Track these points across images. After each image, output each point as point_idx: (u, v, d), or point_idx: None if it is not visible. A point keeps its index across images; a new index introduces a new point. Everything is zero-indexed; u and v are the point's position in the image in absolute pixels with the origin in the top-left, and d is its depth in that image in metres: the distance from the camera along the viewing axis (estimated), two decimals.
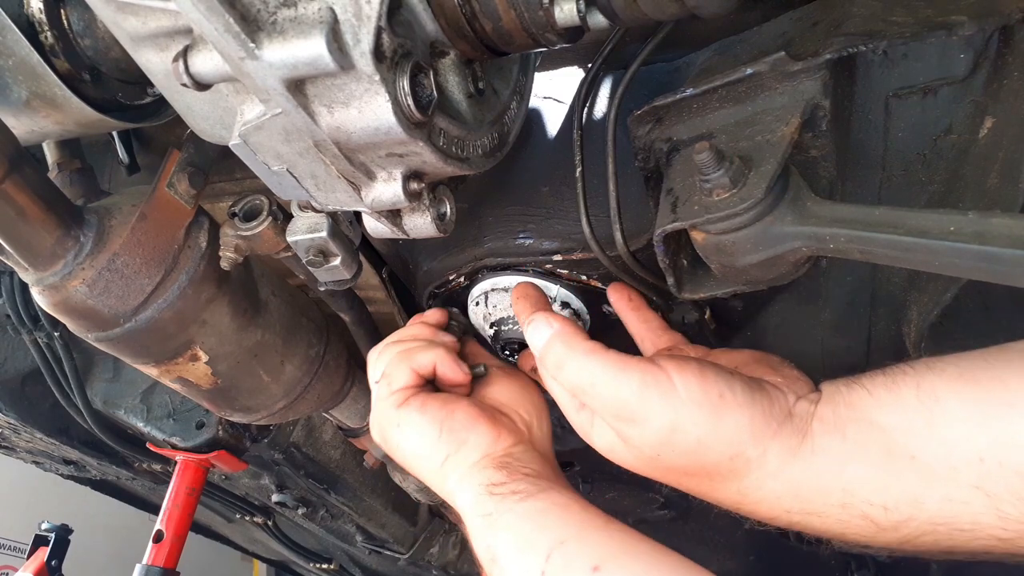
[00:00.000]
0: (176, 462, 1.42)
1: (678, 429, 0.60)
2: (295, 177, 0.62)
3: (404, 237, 0.71)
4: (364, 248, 0.90)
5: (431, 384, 0.81)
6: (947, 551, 0.56)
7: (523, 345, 0.90)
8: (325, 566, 2.31)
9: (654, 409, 0.60)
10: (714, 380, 0.60)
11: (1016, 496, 0.51)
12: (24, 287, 1.27)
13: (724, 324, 0.88)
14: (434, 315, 0.89)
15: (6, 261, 0.77)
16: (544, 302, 0.79)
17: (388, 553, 1.99)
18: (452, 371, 0.78)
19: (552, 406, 0.75)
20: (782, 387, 0.63)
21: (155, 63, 0.59)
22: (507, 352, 0.93)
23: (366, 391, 1.25)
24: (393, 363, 0.80)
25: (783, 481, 0.60)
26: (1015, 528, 0.51)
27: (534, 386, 0.82)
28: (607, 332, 0.87)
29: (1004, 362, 0.54)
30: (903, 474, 0.55)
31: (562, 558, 0.59)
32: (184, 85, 0.53)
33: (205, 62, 0.52)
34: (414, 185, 0.63)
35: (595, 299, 0.87)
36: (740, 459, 0.60)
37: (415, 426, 0.74)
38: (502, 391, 0.80)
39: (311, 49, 0.48)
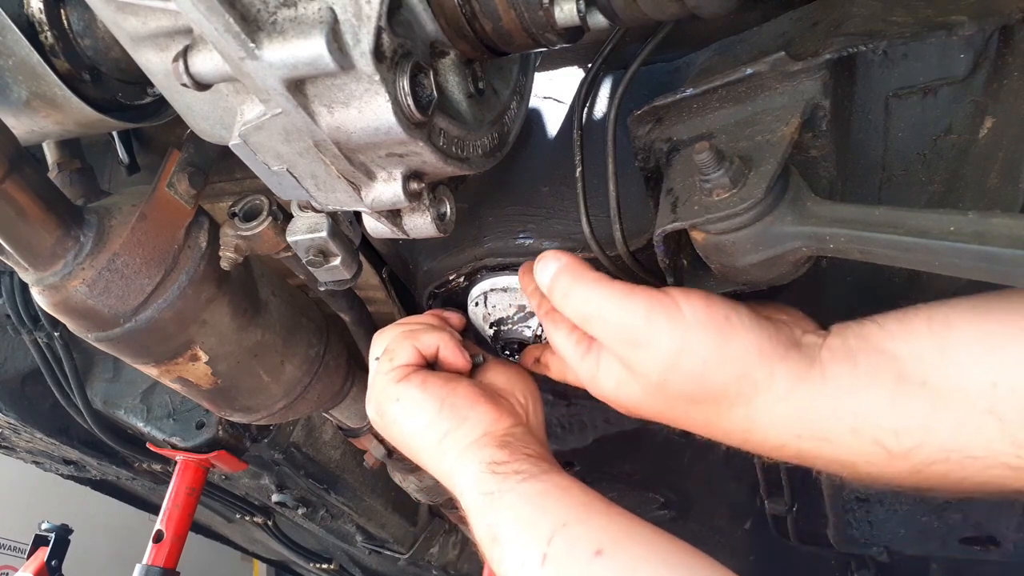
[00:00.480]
0: (176, 462, 1.42)
1: (685, 351, 0.60)
2: (295, 177, 0.62)
3: (404, 237, 0.71)
4: (364, 248, 0.90)
5: (431, 367, 0.81)
6: (958, 485, 0.55)
7: (523, 345, 0.90)
8: (325, 566, 2.31)
9: (661, 332, 0.61)
10: (720, 305, 0.61)
11: None
12: (24, 287, 1.27)
13: None
14: (450, 314, 0.90)
15: (6, 261, 0.77)
16: None
17: (388, 553, 1.99)
18: (454, 355, 0.79)
19: (549, 406, 0.76)
20: (789, 322, 0.64)
21: (155, 63, 0.59)
22: (507, 352, 0.93)
23: (366, 391, 1.25)
24: (397, 340, 0.80)
25: (792, 405, 0.59)
26: None
27: (529, 375, 0.83)
28: None
29: (1018, 296, 0.53)
30: (914, 399, 0.55)
31: (564, 541, 0.59)
32: (184, 85, 0.53)
33: (205, 62, 0.52)
34: (414, 185, 0.63)
35: None
36: (747, 381, 0.60)
37: (415, 400, 0.74)
38: (498, 376, 0.81)
39: (311, 49, 0.48)
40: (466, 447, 0.71)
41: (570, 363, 0.70)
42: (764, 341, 0.60)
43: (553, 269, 0.67)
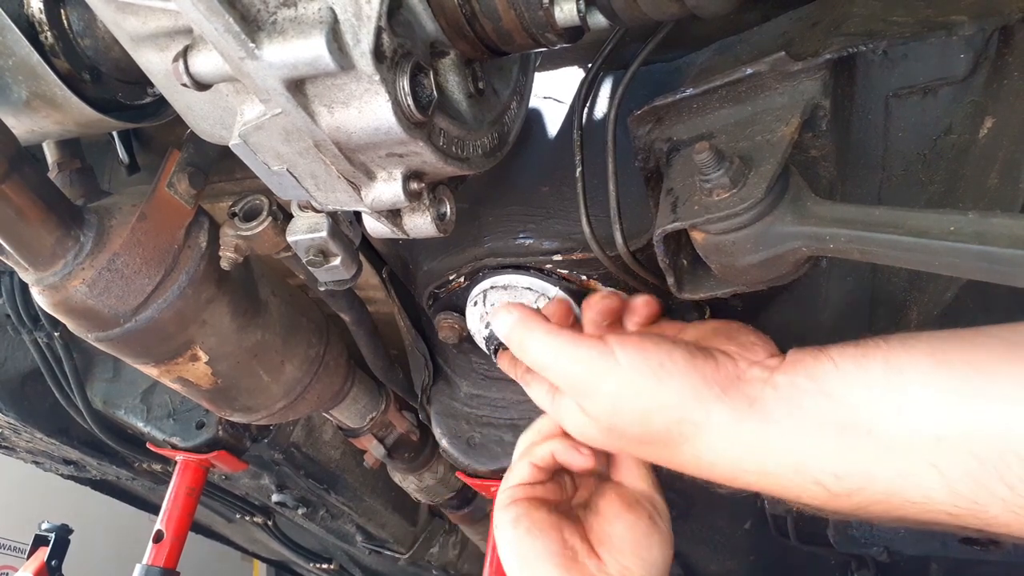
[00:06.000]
0: (176, 462, 1.42)
1: (623, 398, 0.63)
2: (295, 177, 0.62)
3: (404, 237, 0.71)
4: (364, 248, 0.90)
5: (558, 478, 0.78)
6: (899, 520, 0.57)
7: None
8: (325, 566, 2.31)
9: (601, 381, 0.64)
10: (654, 351, 0.63)
11: (970, 476, 0.51)
12: (24, 287, 1.27)
13: None
14: None
15: (6, 261, 0.77)
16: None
17: (388, 553, 1.99)
18: (571, 457, 0.74)
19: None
20: (735, 354, 0.65)
21: (155, 63, 0.59)
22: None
23: (366, 391, 1.26)
24: (518, 450, 0.79)
25: (734, 442, 0.61)
26: (966, 506, 0.52)
27: (655, 532, 0.74)
28: None
29: (978, 346, 0.54)
30: (857, 447, 0.56)
31: None
32: (184, 85, 0.53)
33: (205, 62, 0.52)
34: (414, 185, 0.63)
35: None
36: (686, 423, 0.62)
37: (504, 538, 0.74)
38: (610, 523, 0.74)
39: (311, 49, 0.48)
40: None
41: (542, 407, 0.74)
42: (698, 382, 0.62)
43: (509, 323, 0.70)
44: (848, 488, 0.57)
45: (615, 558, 0.71)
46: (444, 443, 1.13)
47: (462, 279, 0.91)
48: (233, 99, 0.59)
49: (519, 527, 0.73)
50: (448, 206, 0.71)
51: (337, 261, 0.77)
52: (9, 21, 0.65)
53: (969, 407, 0.52)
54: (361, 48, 0.49)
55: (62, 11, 0.69)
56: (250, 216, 0.81)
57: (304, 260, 0.77)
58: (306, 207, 0.75)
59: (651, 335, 0.66)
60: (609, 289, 0.76)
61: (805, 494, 0.60)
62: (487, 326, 0.91)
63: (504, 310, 0.71)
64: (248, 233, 0.80)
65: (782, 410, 0.60)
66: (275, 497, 1.71)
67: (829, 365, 0.59)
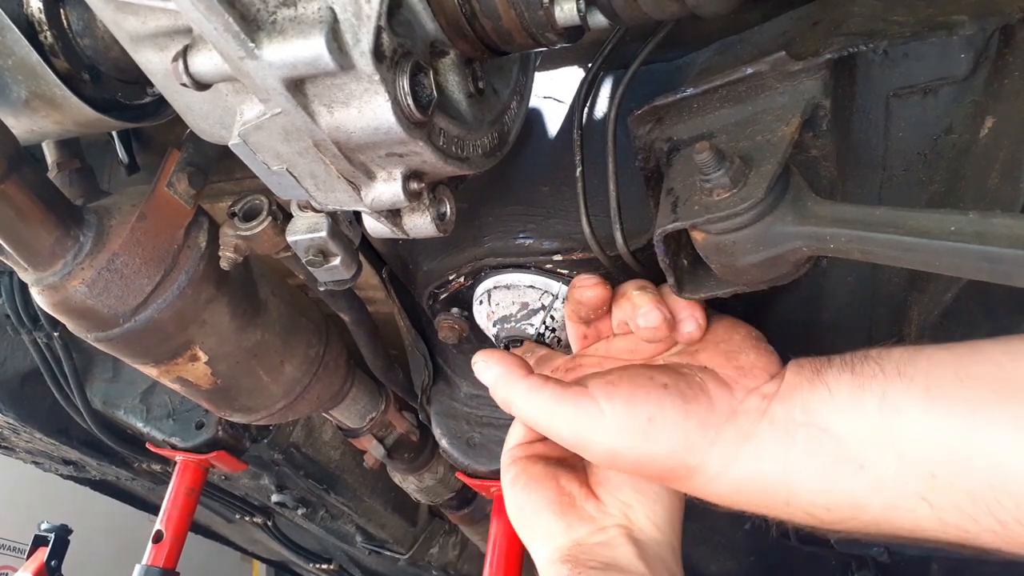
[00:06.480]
0: (175, 462, 1.42)
1: (616, 454, 0.63)
2: (295, 177, 0.62)
3: (404, 237, 0.71)
4: (364, 248, 0.90)
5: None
6: (891, 539, 0.58)
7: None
8: (325, 566, 2.31)
9: (589, 439, 0.63)
10: (643, 403, 0.62)
11: (961, 511, 0.52)
12: (24, 287, 1.27)
13: None
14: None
15: (5, 261, 0.77)
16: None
17: (388, 553, 1.99)
18: None
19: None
20: (732, 381, 0.64)
21: (154, 63, 0.59)
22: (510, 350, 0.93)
23: (366, 391, 1.26)
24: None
25: (727, 481, 0.62)
26: (955, 535, 0.54)
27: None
28: None
29: (974, 378, 0.54)
30: (848, 481, 0.57)
31: None
32: (183, 85, 0.53)
33: (205, 62, 0.52)
34: (414, 185, 0.63)
35: None
36: (681, 468, 0.62)
37: (507, 499, 0.74)
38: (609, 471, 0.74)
39: (311, 49, 0.48)
40: (542, 565, 0.70)
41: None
42: (692, 431, 0.61)
43: (490, 379, 0.69)
44: (839, 518, 0.58)
45: (614, 496, 0.71)
46: (444, 443, 1.13)
47: (462, 279, 0.91)
48: (233, 99, 0.59)
49: (517, 484, 0.73)
50: (448, 206, 0.70)
51: (337, 261, 0.77)
52: (8, 21, 0.65)
53: (963, 445, 0.52)
54: (361, 48, 0.49)
55: (61, 11, 0.69)
56: (250, 216, 0.81)
57: (304, 260, 0.77)
58: (306, 207, 0.75)
59: (641, 377, 0.64)
60: (596, 277, 0.73)
61: (796, 520, 0.61)
62: (494, 324, 0.91)
63: (482, 361, 0.69)
64: (248, 233, 0.79)
65: (776, 445, 0.60)
66: (275, 497, 1.71)
67: (824, 393, 0.59)
